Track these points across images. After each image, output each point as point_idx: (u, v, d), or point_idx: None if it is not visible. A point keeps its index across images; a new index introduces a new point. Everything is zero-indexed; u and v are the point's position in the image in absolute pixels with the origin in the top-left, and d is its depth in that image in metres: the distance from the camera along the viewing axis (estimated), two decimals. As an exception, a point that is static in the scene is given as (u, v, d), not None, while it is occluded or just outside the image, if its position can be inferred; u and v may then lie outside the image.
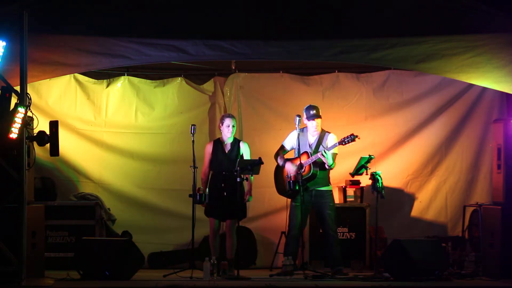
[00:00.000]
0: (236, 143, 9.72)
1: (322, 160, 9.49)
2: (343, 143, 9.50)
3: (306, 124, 9.77)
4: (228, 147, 9.68)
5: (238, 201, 9.41)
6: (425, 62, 8.99)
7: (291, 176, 9.64)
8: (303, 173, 9.58)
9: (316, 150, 9.62)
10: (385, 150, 10.86)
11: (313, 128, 9.71)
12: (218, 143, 9.74)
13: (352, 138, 9.47)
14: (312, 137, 9.75)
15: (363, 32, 8.57)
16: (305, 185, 9.58)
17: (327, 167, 9.56)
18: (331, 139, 9.68)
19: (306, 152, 9.67)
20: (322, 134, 9.74)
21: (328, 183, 9.73)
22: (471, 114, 10.84)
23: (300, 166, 9.59)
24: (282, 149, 9.93)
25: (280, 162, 9.87)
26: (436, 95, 10.88)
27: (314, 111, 9.69)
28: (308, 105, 9.78)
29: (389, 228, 10.48)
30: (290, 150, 9.91)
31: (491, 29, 8.46)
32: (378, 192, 9.44)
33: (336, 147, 9.58)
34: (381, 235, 10.24)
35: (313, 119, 9.68)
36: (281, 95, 10.97)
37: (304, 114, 9.74)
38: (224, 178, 9.56)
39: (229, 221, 9.58)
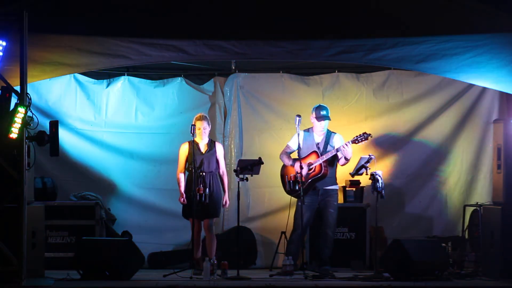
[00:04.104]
0: (211, 143, 9.68)
1: (341, 153, 9.50)
2: (356, 142, 9.52)
3: (313, 123, 9.78)
4: (204, 147, 9.64)
5: (215, 200, 9.45)
6: (425, 62, 8.99)
7: (291, 176, 9.65)
8: (313, 173, 9.60)
9: (324, 150, 9.63)
10: (385, 150, 10.85)
11: (320, 128, 9.71)
12: (193, 143, 9.66)
13: (365, 137, 9.50)
14: (318, 137, 9.76)
15: (363, 32, 8.57)
16: (313, 185, 9.59)
17: (342, 162, 9.56)
18: (337, 139, 9.70)
19: (315, 152, 9.67)
20: (329, 134, 9.75)
21: (335, 182, 9.78)
22: (471, 114, 10.83)
23: (310, 165, 9.62)
24: (287, 149, 9.91)
25: (289, 162, 9.85)
26: (436, 95, 10.87)
27: (325, 112, 9.70)
28: (319, 104, 9.81)
29: (389, 228, 10.49)
30: (296, 150, 9.89)
31: (491, 29, 8.46)
32: (378, 192, 9.44)
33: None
34: (381, 235, 10.24)
35: (323, 120, 9.68)
36: (281, 95, 10.97)
37: (314, 113, 9.75)
38: (203, 178, 9.50)
39: (207, 220, 9.53)
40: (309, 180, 9.61)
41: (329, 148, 9.67)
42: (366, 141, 9.58)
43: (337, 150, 9.57)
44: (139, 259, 9.26)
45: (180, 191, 9.60)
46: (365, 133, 9.56)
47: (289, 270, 9.40)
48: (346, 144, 9.50)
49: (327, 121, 9.71)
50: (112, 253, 8.98)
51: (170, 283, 8.72)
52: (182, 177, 9.65)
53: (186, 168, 9.64)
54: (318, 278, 9.22)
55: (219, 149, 9.69)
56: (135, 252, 9.20)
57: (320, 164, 9.60)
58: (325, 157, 9.59)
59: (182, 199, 9.54)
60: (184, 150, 9.66)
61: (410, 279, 8.93)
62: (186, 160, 9.64)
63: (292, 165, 9.77)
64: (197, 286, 8.61)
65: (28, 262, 8.49)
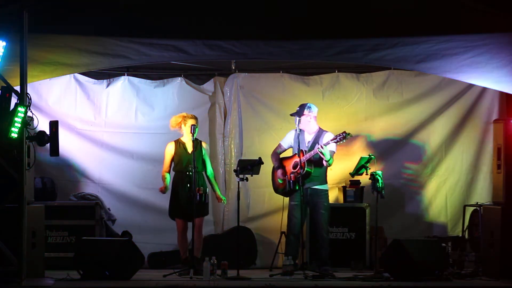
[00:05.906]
0: (198, 143, 9.67)
1: (319, 156, 9.47)
2: (336, 142, 9.46)
3: None
4: (190, 147, 9.60)
5: (204, 200, 9.45)
6: (425, 62, 8.99)
7: (291, 176, 9.65)
8: (297, 172, 9.59)
9: (311, 148, 9.61)
10: (385, 150, 10.85)
11: (299, 125, 9.64)
12: (179, 142, 9.69)
13: (344, 135, 9.43)
14: (309, 136, 9.74)
15: (363, 32, 8.57)
16: (300, 183, 9.57)
17: (325, 163, 9.54)
18: (327, 137, 9.64)
19: (302, 150, 9.67)
20: (319, 133, 9.72)
21: (324, 182, 9.71)
22: (471, 114, 10.83)
23: (296, 164, 9.60)
24: (279, 148, 9.91)
25: (275, 164, 9.87)
26: (436, 95, 10.88)
27: (298, 108, 9.70)
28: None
29: (389, 228, 10.49)
30: (288, 148, 9.90)
31: (491, 29, 8.46)
32: (378, 192, 9.45)
33: (334, 145, 9.54)
34: (381, 235, 10.24)
35: (295, 115, 9.67)
36: (281, 95, 10.97)
37: None
38: (190, 178, 9.50)
39: (198, 219, 9.52)
40: (300, 180, 9.58)
41: (316, 146, 9.60)
42: (345, 140, 9.48)
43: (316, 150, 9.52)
44: (139, 259, 9.26)
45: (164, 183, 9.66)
46: (344, 132, 9.47)
47: (289, 270, 9.40)
48: (321, 146, 9.45)
49: (295, 118, 9.62)
50: (112, 253, 8.97)
51: (170, 283, 8.72)
52: (167, 176, 9.71)
53: (172, 168, 9.65)
54: (318, 278, 9.21)
55: (206, 148, 9.78)
56: (135, 252, 9.19)
57: (304, 162, 9.56)
58: (310, 155, 9.54)
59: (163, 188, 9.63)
60: (169, 149, 9.72)
61: (410, 279, 8.93)
62: (172, 160, 9.69)
63: (276, 168, 9.80)
64: (197, 286, 8.61)
65: (28, 262, 8.49)
